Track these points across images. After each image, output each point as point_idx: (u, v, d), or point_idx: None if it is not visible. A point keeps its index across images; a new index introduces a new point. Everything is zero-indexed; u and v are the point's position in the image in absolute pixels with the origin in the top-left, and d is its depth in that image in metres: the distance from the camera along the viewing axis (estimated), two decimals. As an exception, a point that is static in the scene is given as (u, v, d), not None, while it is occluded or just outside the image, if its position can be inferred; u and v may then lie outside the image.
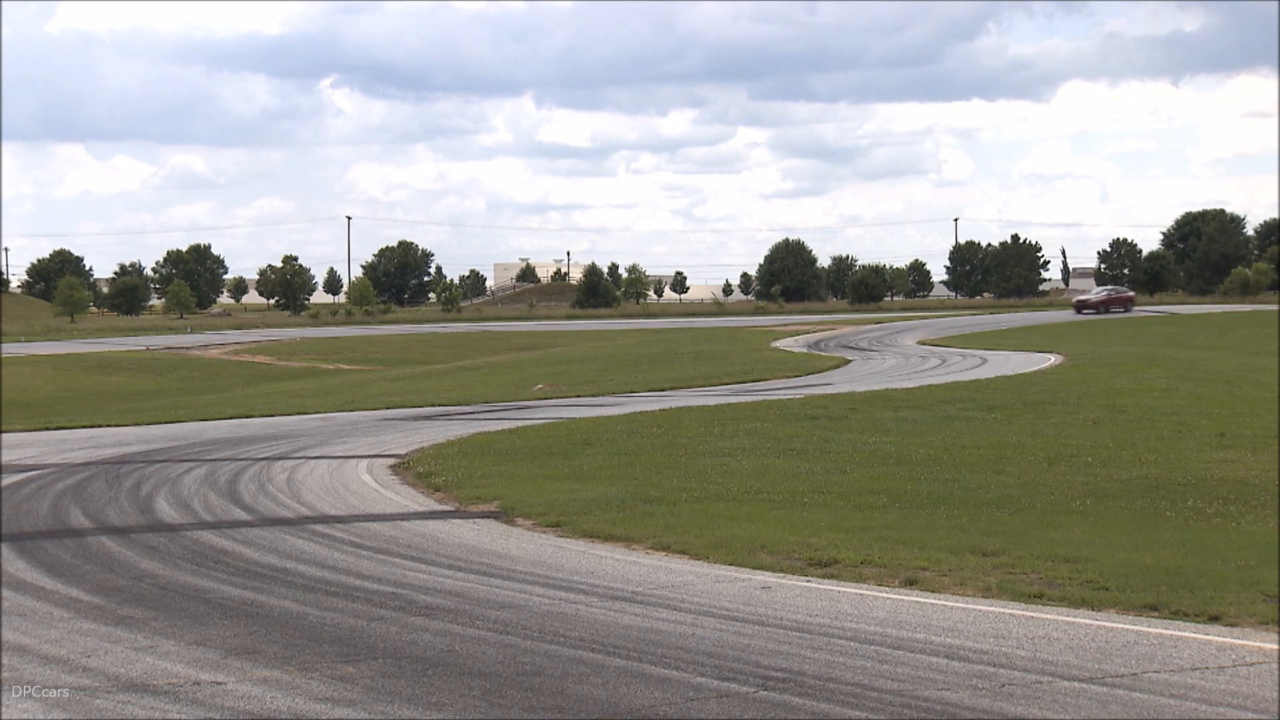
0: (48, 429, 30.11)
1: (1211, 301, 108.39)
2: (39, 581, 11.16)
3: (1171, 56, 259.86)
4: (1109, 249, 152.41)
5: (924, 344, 60.50)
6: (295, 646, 8.63)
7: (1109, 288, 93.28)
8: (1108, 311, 78.70)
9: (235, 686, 7.65)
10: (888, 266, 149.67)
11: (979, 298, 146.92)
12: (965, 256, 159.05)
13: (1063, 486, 15.55)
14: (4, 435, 28.26)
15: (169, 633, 9.12)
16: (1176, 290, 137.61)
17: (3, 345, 62.47)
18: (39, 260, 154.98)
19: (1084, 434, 21.15)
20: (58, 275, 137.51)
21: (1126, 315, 76.88)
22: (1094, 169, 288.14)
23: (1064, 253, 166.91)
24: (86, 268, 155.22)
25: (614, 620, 9.24)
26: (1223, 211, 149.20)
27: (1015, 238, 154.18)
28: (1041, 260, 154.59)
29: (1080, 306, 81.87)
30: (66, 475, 19.17)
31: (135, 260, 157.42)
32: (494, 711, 7.02)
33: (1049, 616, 9.16)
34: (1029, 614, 9.25)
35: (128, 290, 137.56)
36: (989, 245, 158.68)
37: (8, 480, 18.73)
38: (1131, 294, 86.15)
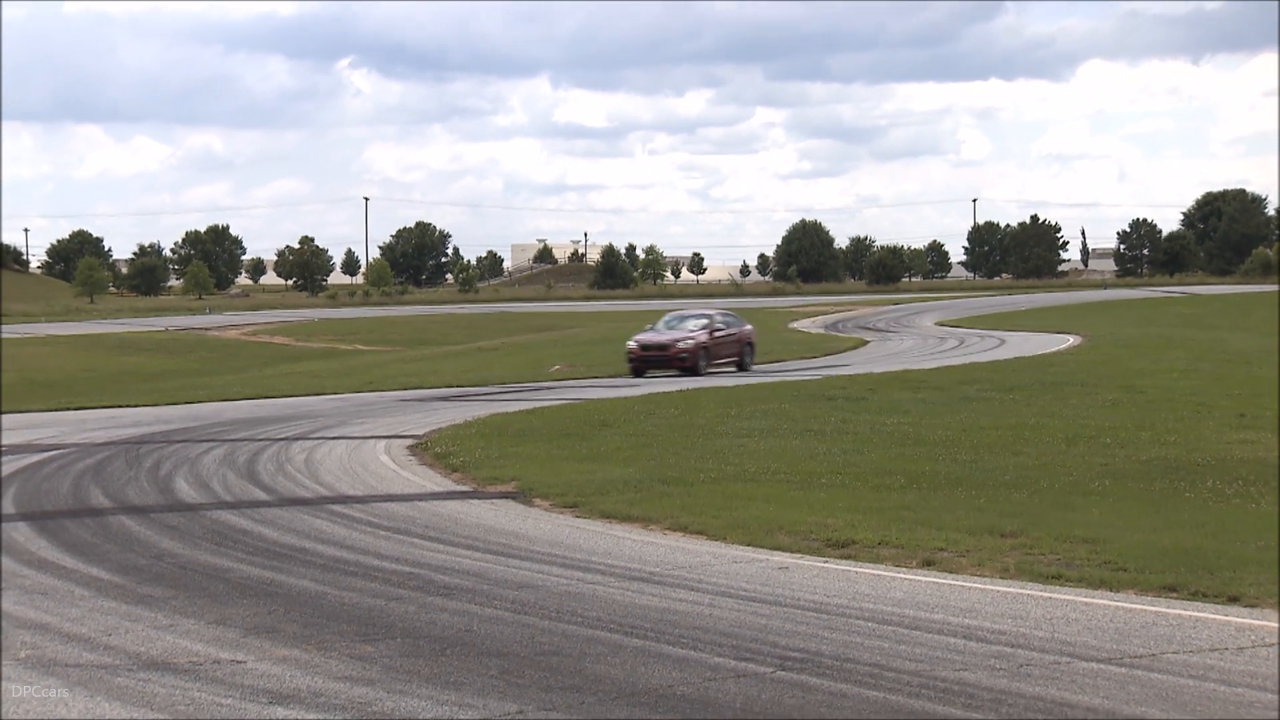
0: (68, 409, 30.26)
1: (1232, 282, 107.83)
2: (60, 560, 11.23)
3: (1191, 35, 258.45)
4: (1129, 229, 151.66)
5: (942, 325, 60.36)
6: (314, 626, 8.66)
7: None
8: None
9: (255, 665, 7.68)
10: (906, 247, 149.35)
11: (997, 278, 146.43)
12: (984, 237, 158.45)
13: (1081, 467, 15.51)
14: (26, 415, 28.42)
15: (189, 611, 9.17)
16: (1196, 271, 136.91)
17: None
18: (59, 241, 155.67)
19: (1103, 415, 21.08)
20: (77, 256, 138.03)
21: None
22: (1113, 149, 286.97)
23: (1083, 233, 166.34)
24: (106, 248, 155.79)
25: (631, 600, 9.26)
26: (1243, 191, 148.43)
27: (1034, 218, 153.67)
28: (1060, 241, 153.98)
29: None
30: (87, 455, 19.26)
31: (154, 241, 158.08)
32: (512, 691, 7.05)
33: (1067, 597, 9.15)
34: (1047, 595, 9.23)
35: (146, 271, 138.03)
36: (1007, 226, 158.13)
37: (30, 460, 18.83)
38: None
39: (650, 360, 34.85)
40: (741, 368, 36.01)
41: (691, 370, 34.16)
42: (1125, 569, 9.90)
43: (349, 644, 8.15)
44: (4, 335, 67.38)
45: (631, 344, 35.43)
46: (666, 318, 37.67)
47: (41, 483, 16.33)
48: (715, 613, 8.83)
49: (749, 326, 37.51)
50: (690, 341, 34.78)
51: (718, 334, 35.59)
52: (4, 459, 19.08)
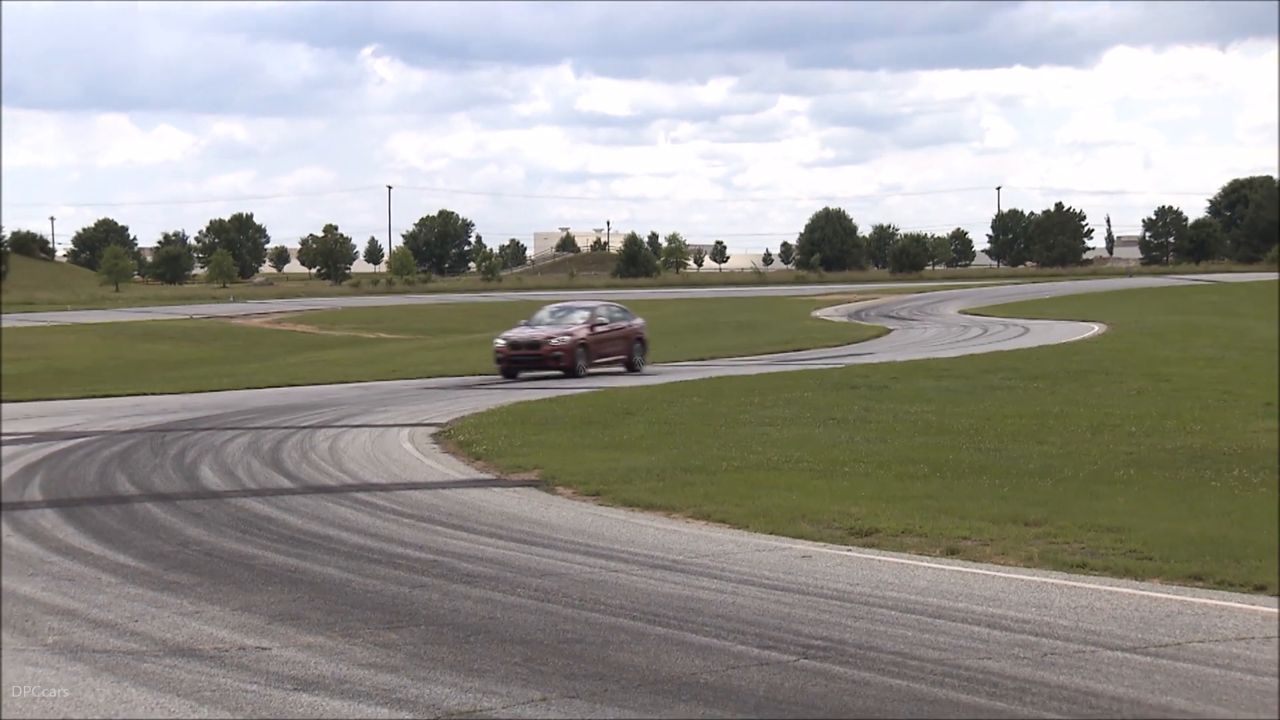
0: (93, 396, 30.43)
1: (1259, 269, 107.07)
2: (87, 547, 11.31)
3: (1218, 21, 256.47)
4: (1154, 217, 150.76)
5: (966, 313, 60.15)
6: (339, 613, 8.70)
7: None
8: None
9: (280, 652, 7.72)
10: (929, 235, 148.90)
11: (1021, 267, 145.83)
12: (1008, 225, 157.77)
13: (1106, 456, 15.44)
14: (52, 402, 28.60)
15: (214, 598, 9.22)
16: (1223, 258, 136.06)
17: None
18: (84, 229, 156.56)
19: (1128, 403, 20.99)
20: (103, 244, 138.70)
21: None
22: (1138, 136, 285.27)
23: (1108, 221, 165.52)
24: (131, 237, 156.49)
25: (655, 588, 9.27)
26: (1270, 178, 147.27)
27: (1058, 206, 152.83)
28: (1085, 229, 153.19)
29: None
30: (113, 442, 19.37)
31: (179, 229, 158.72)
32: (535, 678, 7.06)
33: (1092, 586, 9.11)
34: (1071, 584, 9.20)
35: (171, 259, 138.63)
36: (1031, 214, 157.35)
37: (56, 447, 18.95)
38: None
39: (520, 360, 30.97)
40: (631, 368, 32.06)
41: (569, 371, 30.53)
42: (1150, 558, 9.86)
43: (373, 631, 8.18)
44: (30, 324, 67.81)
45: (499, 342, 31.62)
46: (547, 309, 33.57)
47: (68, 470, 16.43)
48: (738, 601, 8.83)
49: (640, 321, 33.48)
50: (566, 339, 30.90)
51: (600, 329, 31.65)
52: (31, 446, 19.20)
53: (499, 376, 32.69)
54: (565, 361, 30.64)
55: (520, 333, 31.70)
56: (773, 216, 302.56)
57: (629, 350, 32.36)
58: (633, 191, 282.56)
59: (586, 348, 31.18)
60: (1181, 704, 6.53)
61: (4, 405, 28.43)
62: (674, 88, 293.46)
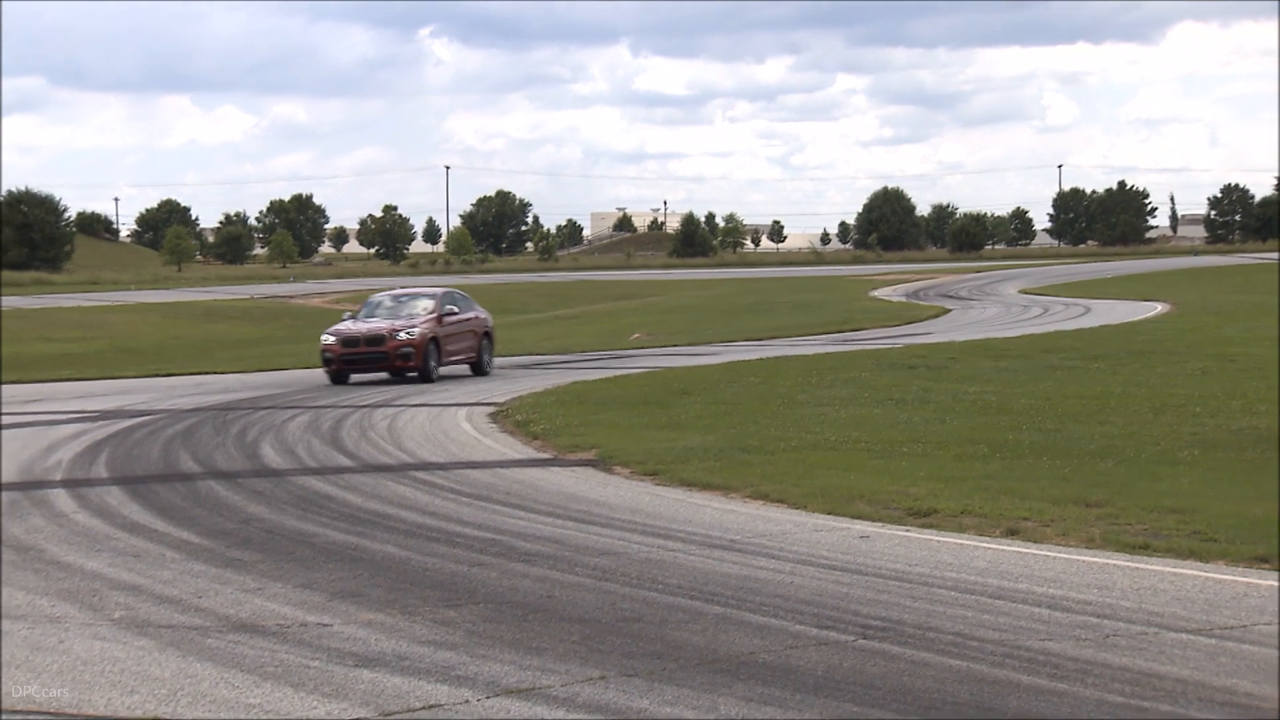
0: (157, 375, 30.83)
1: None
2: (151, 524, 11.46)
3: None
4: (1220, 195, 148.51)
5: (1026, 293, 59.58)
6: (398, 590, 8.77)
7: None
8: None
9: (341, 629, 7.79)
10: (989, 214, 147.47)
11: (1083, 246, 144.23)
12: (1069, 203, 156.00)
13: (1169, 437, 15.25)
14: (117, 381, 29.01)
15: (276, 575, 9.32)
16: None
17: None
18: (147, 210, 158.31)
19: (1192, 383, 20.71)
20: (165, 225, 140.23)
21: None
22: (1204, 112, 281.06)
23: (1172, 199, 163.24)
24: (193, 217, 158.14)
25: (712, 568, 9.26)
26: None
27: (1121, 184, 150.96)
28: (1148, 207, 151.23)
29: None
30: (176, 421, 19.62)
31: (240, 210, 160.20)
32: (594, 657, 7.08)
33: (1155, 568, 9.01)
34: (1134, 565, 9.10)
35: (232, 239, 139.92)
36: (1094, 192, 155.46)
37: (121, 425, 19.22)
38: None
39: (358, 360, 25.15)
40: (478, 369, 26.84)
41: (421, 374, 25.19)
42: (1215, 539, 9.73)
43: (433, 609, 8.24)
44: (95, 304, 68.72)
45: (327, 338, 25.56)
46: (382, 296, 28.08)
47: (133, 448, 16.66)
48: (796, 581, 8.81)
49: (485, 313, 28.25)
50: (414, 331, 25.27)
51: (450, 321, 26.31)
52: (96, 424, 19.48)
53: (554, 357, 32.64)
54: (416, 361, 25.19)
55: (354, 327, 25.86)
56: (830, 196, 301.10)
57: (478, 348, 27.06)
58: (690, 171, 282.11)
59: (438, 344, 25.79)
60: (1247, 686, 6.44)
61: (69, 383, 28.89)
62: (731, 66, 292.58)
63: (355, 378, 25.73)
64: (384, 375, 25.94)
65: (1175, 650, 7.05)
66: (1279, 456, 13.59)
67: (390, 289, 31.43)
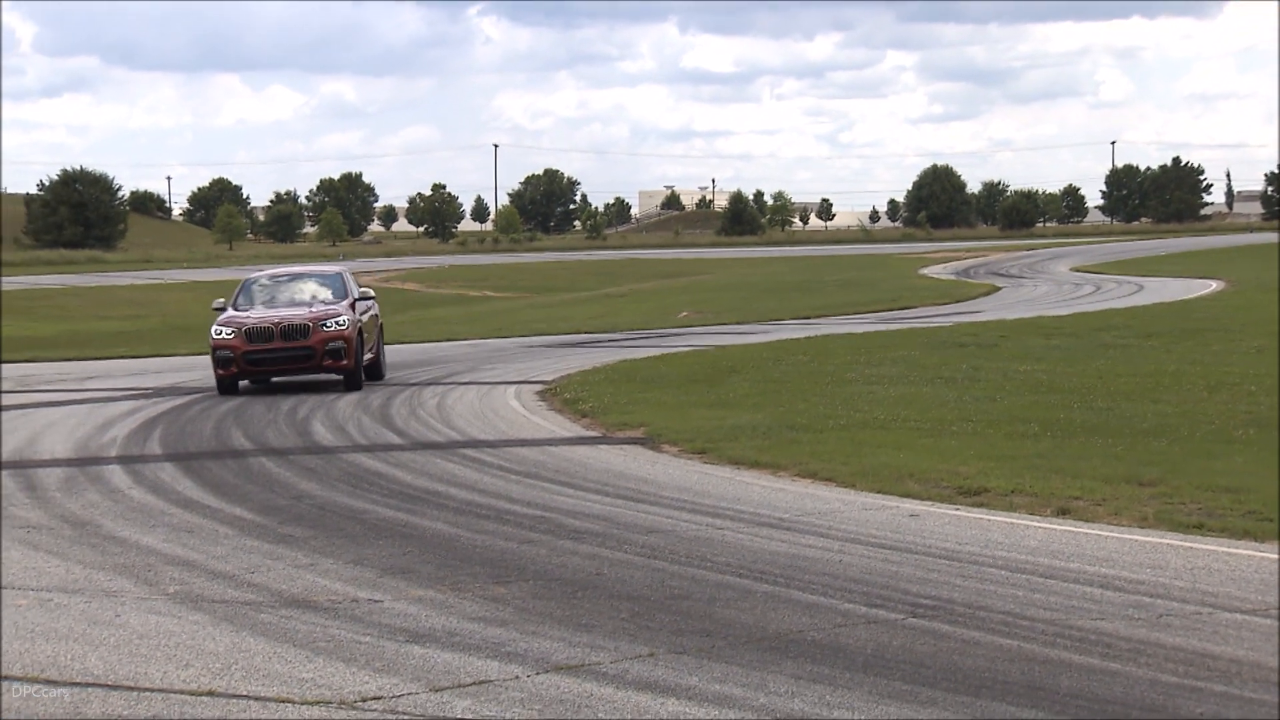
0: (209, 353, 31.04)
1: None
2: (205, 500, 11.59)
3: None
4: (1277, 171, 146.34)
5: (1078, 270, 59.04)
6: (449, 567, 8.82)
7: None
8: None
9: (392, 605, 7.85)
10: (1040, 192, 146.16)
11: (1136, 223, 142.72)
12: (1122, 180, 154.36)
13: (1224, 415, 15.07)
14: (170, 359, 29.31)
15: (328, 551, 9.39)
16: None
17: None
18: (199, 189, 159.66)
19: (1247, 362, 20.45)
20: (217, 203, 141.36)
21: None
22: (1260, 87, 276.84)
23: (1228, 175, 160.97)
24: (244, 196, 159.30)
25: (761, 546, 9.26)
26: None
27: (1176, 160, 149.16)
28: (1204, 183, 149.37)
29: None
30: (228, 398, 19.79)
31: (290, 188, 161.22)
32: (643, 634, 7.10)
33: (1209, 547, 8.92)
34: (1188, 544, 9.02)
35: (282, 218, 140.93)
36: (1147, 169, 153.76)
37: (174, 402, 19.41)
38: None
39: (266, 360, 19.92)
40: (373, 374, 21.37)
41: (350, 378, 20.12)
42: (1270, 519, 9.61)
43: (482, 585, 8.28)
44: (148, 281, 69.41)
45: (224, 333, 20.00)
46: (263, 276, 22.52)
47: (186, 425, 16.84)
48: (845, 559, 8.79)
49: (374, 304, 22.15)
50: (344, 320, 20.16)
51: (362, 311, 21.03)
52: (150, 401, 19.68)
53: (604, 335, 32.65)
54: (348, 359, 20.01)
55: (263, 315, 20.33)
56: (879, 174, 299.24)
57: (378, 346, 21.96)
58: (737, 149, 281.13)
59: (362, 339, 20.61)
60: (1303, 669, 6.37)
61: (123, 360, 29.21)
62: (779, 43, 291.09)
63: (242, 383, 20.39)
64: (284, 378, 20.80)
65: (1229, 630, 6.98)
66: None
67: (263, 269, 26.14)
